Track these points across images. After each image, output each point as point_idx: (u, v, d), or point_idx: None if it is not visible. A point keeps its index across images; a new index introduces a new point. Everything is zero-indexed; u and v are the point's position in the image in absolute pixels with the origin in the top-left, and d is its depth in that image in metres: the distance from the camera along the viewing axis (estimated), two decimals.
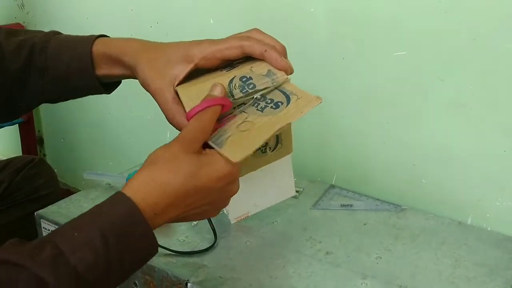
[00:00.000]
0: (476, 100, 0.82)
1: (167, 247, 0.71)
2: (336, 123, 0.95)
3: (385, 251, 0.75)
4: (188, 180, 0.50)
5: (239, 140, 0.52)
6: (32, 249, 0.45)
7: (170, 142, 0.53)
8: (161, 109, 0.60)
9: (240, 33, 0.60)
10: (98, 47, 0.64)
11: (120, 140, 1.37)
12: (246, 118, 0.54)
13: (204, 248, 0.72)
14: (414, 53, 0.85)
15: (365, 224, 0.82)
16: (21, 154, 1.57)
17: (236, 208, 0.73)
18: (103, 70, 0.65)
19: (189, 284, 0.66)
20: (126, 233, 0.47)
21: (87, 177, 0.89)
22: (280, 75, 0.56)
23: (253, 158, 0.62)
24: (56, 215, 0.79)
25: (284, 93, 0.55)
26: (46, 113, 1.56)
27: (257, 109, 0.54)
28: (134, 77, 0.63)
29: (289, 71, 0.57)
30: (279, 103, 0.54)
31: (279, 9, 0.98)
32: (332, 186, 0.94)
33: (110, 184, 0.89)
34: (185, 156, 0.50)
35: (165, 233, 0.75)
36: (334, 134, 0.96)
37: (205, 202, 0.53)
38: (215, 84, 0.55)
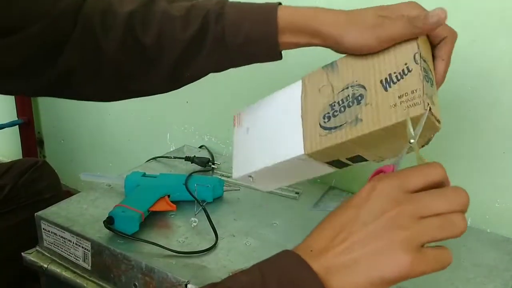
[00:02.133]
0: (474, 101, 0.82)
1: (167, 247, 0.71)
2: None
3: None
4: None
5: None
6: None
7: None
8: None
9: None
10: (283, 16, 0.63)
11: (120, 141, 1.37)
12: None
13: (204, 249, 0.72)
14: None
15: None
16: (21, 155, 1.57)
17: (240, 163, 0.70)
18: (286, 38, 0.63)
19: (189, 286, 0.66)
20: (283, 272, 0.45)
21: (84, 178, 0.89)
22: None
23: None
24: (56, 216, 0.79)
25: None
26: (46, 114, 1.56)
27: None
28: (320, 45, 0.62)
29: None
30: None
31: None
32: (332, 188, 0.95)
33: (110, 185, 0.89)
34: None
35: None
36: None
37: (360, 233, 0.44)
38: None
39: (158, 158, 1.02)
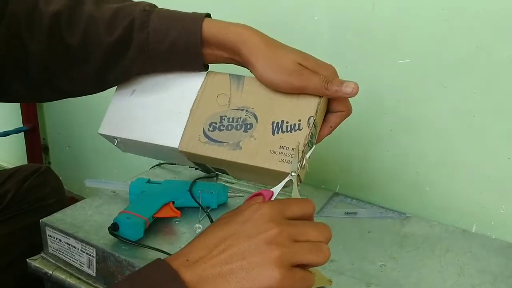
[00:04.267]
0: (479, 107, 0.82)
1: (172, 253, 0.71)
2: (340, 131, 0.95)
3: (389, 258, 0.75)
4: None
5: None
6: None
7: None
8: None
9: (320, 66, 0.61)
10: (209, 28, 0.63)
11: None
12: None
13: None
14: (417, 61, 0.85)
15: (369, 232, 0.82)
16: (26, 162, 1.58)
17: (112, 122, 0.72)
18: (211, 51, 0.64)
19: None
20: (151, 285, 0.46)
21: (88, 185, 0.89)
22: None
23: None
24: (61, 222, 0.80)
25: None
26: (51, 121, 1.56)
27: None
28: (239, 64, 0.64)
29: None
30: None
31: (283, 17, 0.98)
32: (336, 194, 0.95)
33: (114, 192, 0.89)
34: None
35: None
36: (337, 142, 0.96)
37: (241, 245, 0.47)
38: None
39: (163, 165, 1.02)
